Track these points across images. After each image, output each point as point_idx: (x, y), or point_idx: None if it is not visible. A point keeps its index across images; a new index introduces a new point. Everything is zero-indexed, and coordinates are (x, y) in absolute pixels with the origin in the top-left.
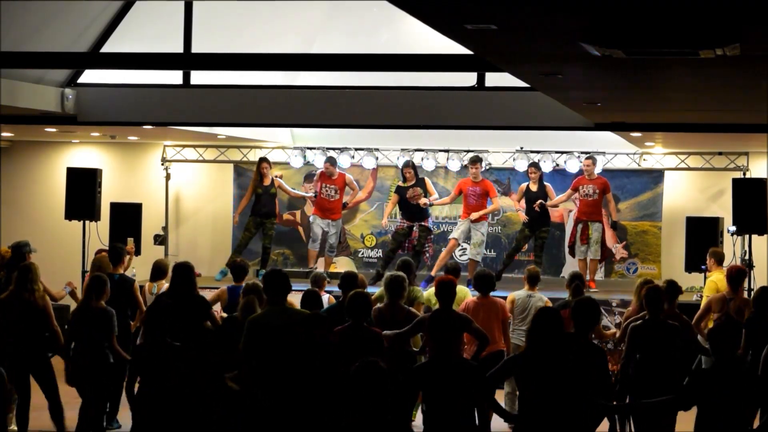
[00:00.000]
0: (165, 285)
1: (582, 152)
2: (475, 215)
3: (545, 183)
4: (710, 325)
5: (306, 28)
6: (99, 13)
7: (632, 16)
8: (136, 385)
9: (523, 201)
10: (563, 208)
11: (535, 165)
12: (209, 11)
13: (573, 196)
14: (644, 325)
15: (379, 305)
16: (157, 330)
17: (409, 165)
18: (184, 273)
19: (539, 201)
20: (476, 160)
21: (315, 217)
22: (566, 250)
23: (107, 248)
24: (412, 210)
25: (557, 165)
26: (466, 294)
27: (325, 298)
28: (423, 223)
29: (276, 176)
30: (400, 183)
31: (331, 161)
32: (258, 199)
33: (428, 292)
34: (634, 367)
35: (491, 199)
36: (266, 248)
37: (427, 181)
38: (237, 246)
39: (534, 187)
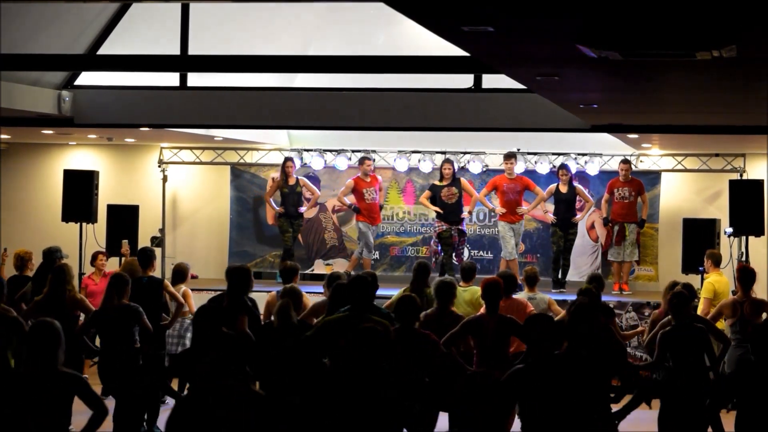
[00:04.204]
0: (183, 288)
1: (579, 153)
2: (524, 209)
3: (576, 185)
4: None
5: (302, 30)
6: (96, 16)
7: (629, 18)
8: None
9: (550, 202)
10: None
11: (564, 166)
12: (206, 13)
13: (607, 198)
14: (673, 331)
15: (427, 311)
16: (203, 336)
17: (449, 162)
18: (241, 277)
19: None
20: (510, 156)
21: (366, 225)
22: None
23: (104, 250)
24: (447, 210)
25: (554, 167)
26: (479, 293)
27: None
28: (459, 227)
29: (273, 178)
30: (436, 181)
31: (367, 158)
32: (285, 198)
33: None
34: (669, 373)
35: (533, 191)
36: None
37: (464, 181)
38: (284, 250)
39: (564, 189)
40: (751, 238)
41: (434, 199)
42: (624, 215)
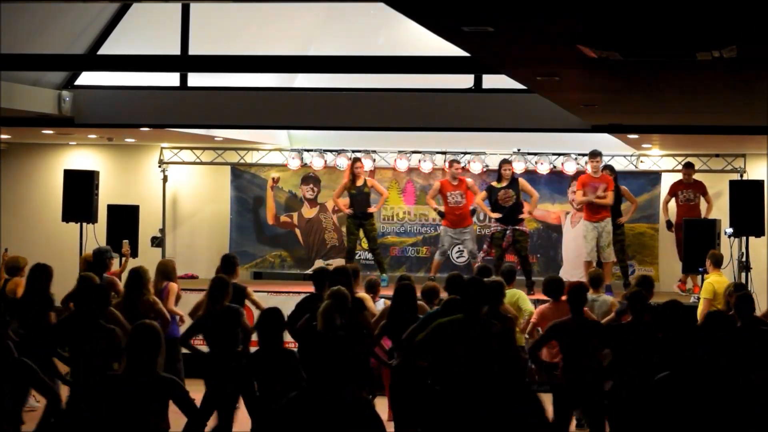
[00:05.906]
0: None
1: (579, 154)
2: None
3: (620, 185)
4: None
5: (303, 31)
6: (96, 15)
7: (629, 18)
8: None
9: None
10: (560, 210)
11: (609, 168)
12: (206, 13)
13: (669, 201)
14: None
15: None
16: (271, 336)
17: (508, 162)
18: (346, 277)
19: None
20: (596, 154)
21: (446, 229)
22: (562, 252)
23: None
24: (505, 212)
25: (554, 167)
26: (517, 296)
27: (380, 303)
28: (518, 227)
29: (273, 178)
30: (494, 183)
31: (456, 162)
32: (353, 199)
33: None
34: None
35: (605, 193)
36: (374, 251)
37: (522, 181)
38: (347, 251)
39: None
40: (752, 239)
41: (491, 201)
42: (691, 217)
